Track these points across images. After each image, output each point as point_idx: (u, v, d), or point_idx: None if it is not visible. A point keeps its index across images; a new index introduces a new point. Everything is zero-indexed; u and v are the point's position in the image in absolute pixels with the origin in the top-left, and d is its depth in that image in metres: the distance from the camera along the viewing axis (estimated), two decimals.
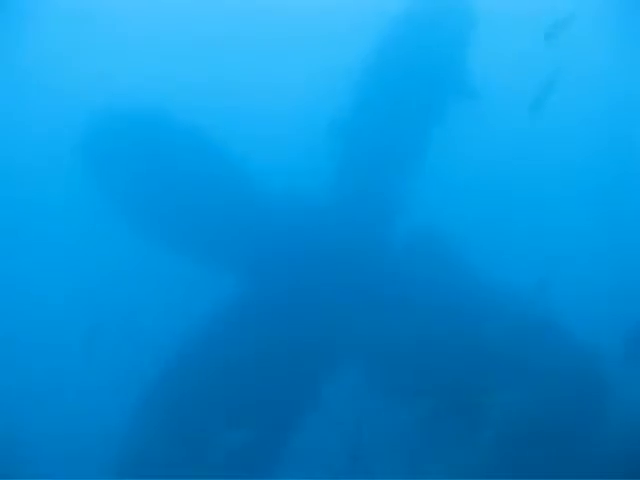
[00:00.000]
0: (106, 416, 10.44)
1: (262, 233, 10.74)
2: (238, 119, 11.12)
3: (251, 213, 10.82)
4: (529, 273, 10.32)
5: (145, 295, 11.49)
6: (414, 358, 10.08)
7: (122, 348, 11.33)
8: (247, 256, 10.86)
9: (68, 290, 11.84)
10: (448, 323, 10.15)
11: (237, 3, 11.89)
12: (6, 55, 12.01)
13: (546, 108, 10.29)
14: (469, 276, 10.59)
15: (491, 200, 11.52)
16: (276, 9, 11.75)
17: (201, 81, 11.57)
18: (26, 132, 12.07)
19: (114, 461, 10.03)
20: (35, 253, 12.03)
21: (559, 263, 10.56)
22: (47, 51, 12.09)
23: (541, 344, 9.86)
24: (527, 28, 10.76)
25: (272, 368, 10.21)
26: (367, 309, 10.47)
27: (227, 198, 10.78)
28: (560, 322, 9.99)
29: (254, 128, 11.10)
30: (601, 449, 9.07)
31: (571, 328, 9.92)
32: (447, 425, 9.88)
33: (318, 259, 10.67)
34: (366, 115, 10.87)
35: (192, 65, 11.74)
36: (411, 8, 10.82)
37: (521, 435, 9.30)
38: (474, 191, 11.49)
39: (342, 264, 10.62)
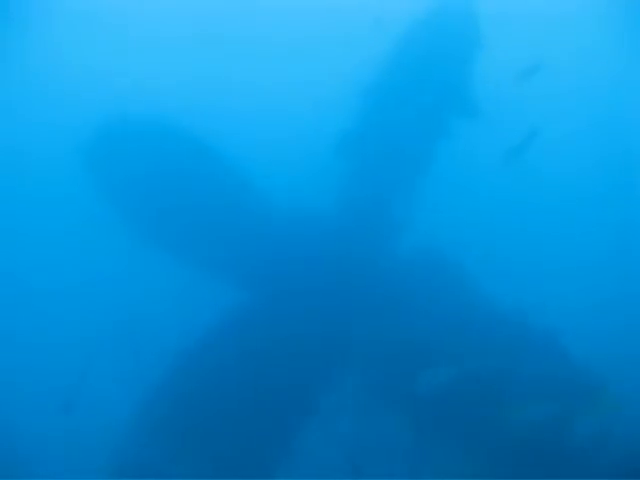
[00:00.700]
0: (106, 417, 10.48)
1: (264, 243, 10.79)
2: (243, 129, 11.25)
3: (254, 223, 10.89)
4: (528, 288, 10.43)
5: (147, 301, 11.57)
6: (411, 367, 10.11)
7: (123, 352, 11.42)
8: (249, 265, 10.93)
9: (70, 294, 11.90)
10: (447, 335, 10.24)
11: (247, 11, 12.01)
12: (11, 57, 12.08)
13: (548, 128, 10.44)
14: (469, 290, 10.67)
15: (493, 217, 11.62)
16: (285, 24, 11.89)
17: (208, 90, 11.68)
18: (29, 134, 12.15)
19: (114, 461, 10.00)
20: (37, 257, 12.10)
21: (559, 279, 10.71)
22: (52, 53, 12.19)
23: (541, 355, 9.97)
24: (529, 46, 10.96)
25: (271, 374, 10.26)
26: (366, 319, 10.56)
27: (230, 207, 10.84)
28: (560, 334, 10.08)
29: (259, 139, 11.25)
30: (603, 460, 9.15)
31: (572, 340, 10.01)
32: (444, 432, 9.97)
33: (319, 270, 10.73)
34: (371, 130, 10.96)
35: (200, 73, 11.85)
36: (417, 26, 10.93)
37: (519, 441, 9.39)
38: (476, 208, 11.61)
39: (342, 275, 10.71)
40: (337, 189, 11.02)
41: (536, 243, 11.81)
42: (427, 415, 9.99)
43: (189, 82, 11.75)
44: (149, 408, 10.29)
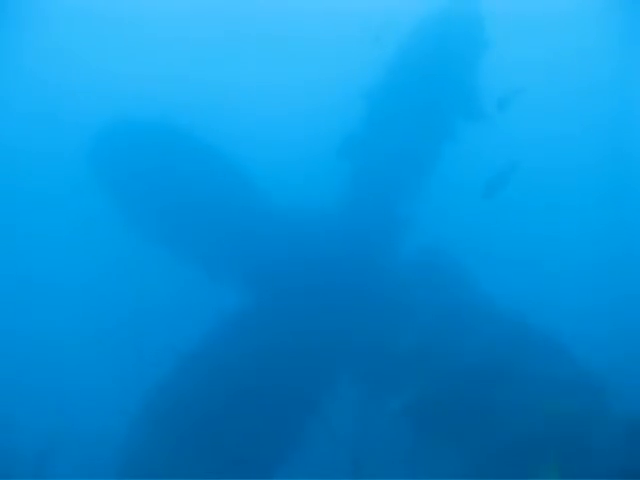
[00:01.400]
0: (107, 417, 10.49)
1: (267, 243, 10.82)
2: (247, 130, 11.29)
3: (257, 223, 10.92)
4: (529, 288, 10.48)
5: (149, 300, 11.58)
6: (414, 369, 10.14)
7: (124, 353, 11.40)
8: (252, 265, 10.96)
9: (71, 294, 11.91)
10: (448, 335, 10.25)
11: (252, 14, 12.07)
12: (17, 59, 12.11)
13: (554, 115, 10.42)
14: (471, 290, 10.71)
15: (496, 218, 11.66)
16: (291, 27, 11.93)
17: (213, 91, 11.68)
18: (34, 133, 12.17)
19: (114, 462, 10.00)
20: (39, 257, 12.10)
21: (560, 280, 10.76)
22: (56, 54, 12.22)
23: (541, 354, 10.01)
24: (536, 49, 11.02)
25: (273, 374, 10.28)
26: (368, 319, 10.57)
27: (234, 207, 10.88)
28: (561, 335, 10.13)
29: (263, 139, 11.27)
30: (602, 454, 9.16)
31: (572, 340, 10.05)
32: (445, 432, 9.98)
33: (322, 270, 10.77)
34: (375, 131, 11.00)
35: (205, 75, 11.88)
36: (421, 29, 11.00)
37: (519, 441, 9.41)
38: (479, 209, 11.66)
39: (345, 275, 10.73)
40: (341, 190, 11.07)
41: (538, 245, 11.88)
42: (428, 416, 10.00)
43: (194, 83, 11.79)
44: (152, 408, 10.29)
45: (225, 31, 12.04)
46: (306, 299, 10.70)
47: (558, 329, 10.10)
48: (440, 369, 10.06)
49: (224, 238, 10.82)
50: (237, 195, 10.93)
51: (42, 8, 11.99)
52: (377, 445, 10.24)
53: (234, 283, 11.08)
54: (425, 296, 10.69)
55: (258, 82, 12.04)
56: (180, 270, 10.98)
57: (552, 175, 12.19)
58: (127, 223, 10.86)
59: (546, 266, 11.52)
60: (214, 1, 11.99)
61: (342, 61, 11.45)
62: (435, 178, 10.98)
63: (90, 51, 12.24)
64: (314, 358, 10.50)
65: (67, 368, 11.34)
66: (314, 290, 10.71)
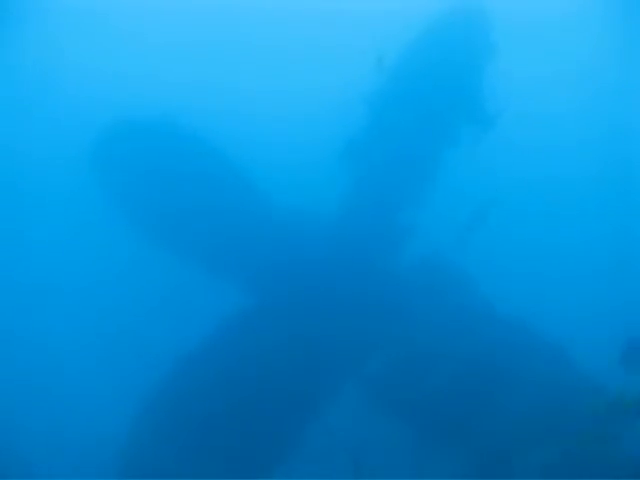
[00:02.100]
0: (107, 417, 10.49)
1: (268, 246, 10.83)
2: (250, 133, 11.31)
3: (259, 226, 10.93)
4: (531, 295, 10.50)
5: (149, 301, 11.57)
6: (414, 375, 10.18)
7: (124, 354, 11.40)
8: (252, 268, 10.95)
9: (72, 295, 11.90)
10: (449, 339, 10.29)
11: (257, 17, 12.08)
12: (18, 59, 12.12)
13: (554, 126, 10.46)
14: (472, 296, 10.74)
15: (498, 224, 11.65)
16: (295, 31, 11.94)
17: (215, 94, 11.71)
18: (36, 134, 12.16)
19: (114, 462, 10.00)
20: (41, 258, 12.08)
21: (562, 286, 10.77)
22: (57, 55, 12.22)
23: (541, 359, 10.05)
24: (542, 53, 11.03)
25: (273, 376, 10.31)
26: (369, 323, 10.59)
27: (235, 210, 10.89)
28: (563, 341, 10.16)
29: (265, 142, 11.30)
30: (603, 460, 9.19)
31: (574, 346, 10.08)
32: (446, 434, 10.01)
33: (322, 274, 10.79)
34: (377, 136, 11.01)
35: (207, 77, 11.89)
36: (425, 34, 11.01)
37: (519, 442, 9.45)
38: (482, 216, 11.64)
39: (346, 279, 10.75)
40: (342, 194, 11.08)
41: (539, 251, 11.89)
42: (429, 417, 10.04)
43: (197, 85, 11.82)
44: (152, 409, 10.30)
45: (228, 34, 12.07)
46: (306, 302, 10.72)
47: (558, 334, 10.14)
48: (441, 372, 10.15)
49: (226, 240, 10.83)
50: (239, 197, 10.95)
51: (45, 8, 12.04)
52: (377, 446, 10.28)
53: (235, 285, 11.08)
54: (426, 300, 10.75)
55: (261, 85, 12.07)
56: (181, 272, 10.98)
57: (555, 182, 12.20)
58: (128, 224, 10.85)
59: (547, 272, 11.55)
60: (219, 4, 12.02)
61: (345, 65, 11.47)
62: (437, 184, 10.97)
63: (92, 52, 12.25)
64: (314, 360, 10.52)
65: (67, 369, 11.35)
66: (314, 293, 10.73)
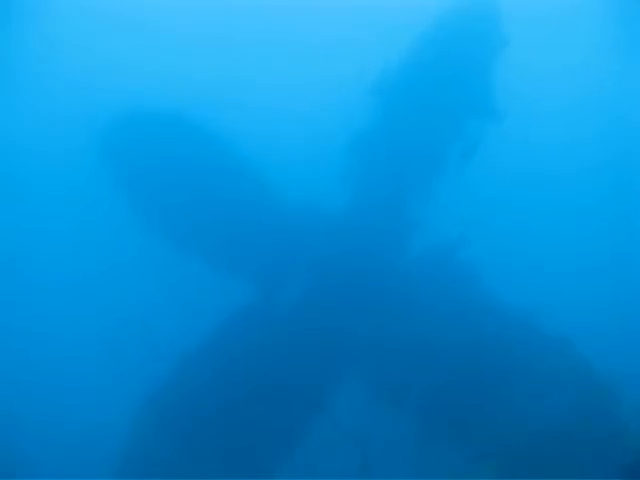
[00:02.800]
0: (109, 415, 10.39)
1: (276, 240, 10.81)
2: (258, 127, 11.27)
3: (267, 220, 10.91)
4: (539, 289, 10.56)
5: (156, 297, 11.50)
6: (421, 367, 10.20)
7: (127, 349, 11.31)
8: (260, 262, 10.91)
9: (75, 288, 11.78)
10: (456, 334, 10.30)
11: (266, 11, 12.02)
12: (24, 52, 11.95)
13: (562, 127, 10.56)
14: (479, 290, 10.71)
15: (505, 218, 11.72)
16: (304, 25, 11.91)
17: (225, 87, 11.65)
18: (43, 127, 12.02)
19: (114, 461, 9.94)
20: (46, 251, 11.94)
21: (570, 281, 10.85)
22: (63, 48, 12.06)
23: (548, 354, 10.11)
24: (548, 48, 11.08)
25: (279, 371, 10.28)
26: (376, 317, 10.58)
27: (243, 204, 10.85)
28: (570, 335, 10.22)
29: (274, 136, 11.25)
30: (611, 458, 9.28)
31: (582, 341, 10.16)
32: (451, 431, 10.05)
33: (330, 267, 10.77)
34: (385, 130, 11.00)
35: (218, 70, 11.83)
36: (433, 28, 10.99)
37: (524, 442, 9.50)
38: (489, 209, 11.71)
39: (354, 273, 10.72)
40: (351, 188, 11.03)
41: (546, 245, 11.95)
42: (435, 414, 10.06)
43: (206, 78, 11.77)
44: (156, 405, 10.23)
45: (237, 27, 12.04)
46: (313, 296, 10.69)
47: (565, 329, 10.19)
48: (447, 368, 10.16)
49: (232, 234, 10.79)
50: (246, 191, 10.90)
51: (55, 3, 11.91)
52: (384, 443, 10.26)
53: (242, 279, 11.02)
54: (433, 295, 10.73)
55: (269, 79, 12.04)
56: (188, 265, 10.92)
57: (562, 176, 12.27)
58: (134, 218, 10.77)
59: (554, 266, 11.61)
60: None
61: (354, 59, 11.43)
62: (444, 178, 10.96)
63: (99, 44, 12.12)
64: (321, 355, 10.49)
65: (69, 365, 11.27)
66: (321, 287, 10.71)
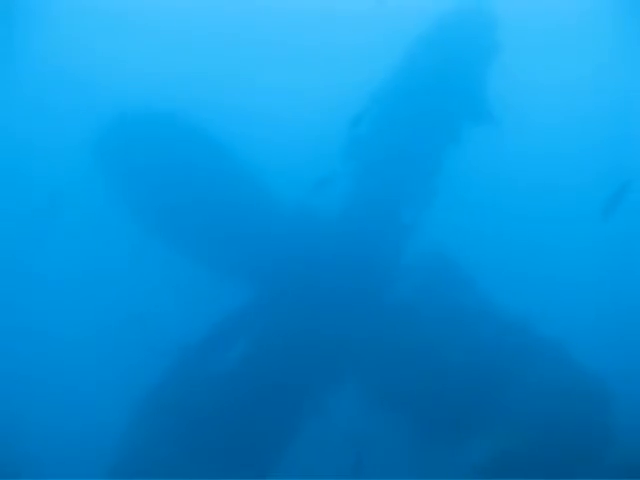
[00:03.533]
0: (106, 415, 10.41)
1: (271, 242, 10.86)
2: (255, 129, 11.28)
3: (262, 222, 10.96)
4: (535, 294, 10.54)
5: (151, 297, 11.52)
6: (416, 370, 10.23)
7: (125, 350, 11.34)
8: (255, 264, 10.97)
9: (73, 288, 11.82)
10: (451, 339, 10.33)
11: (264, 15, 12.08)
12: (23, 52, 12.06)
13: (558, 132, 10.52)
14: (474, 294, 10.75)
15: (500, 223, 11.71)
16: (301, 29, 11.97)
17: (221, 89, 11.70)
18: (40, 127, 12.11)
19: (114, 461, 10.03)
20: (43, 251, 12.00)
21: (565, 286, 10.82)
22: (61, 47, 12.16)
23: (544, 360, 10.12)
24: (544, 54, 11.10)
25: (274, 373, 10.33)
26: (370, 320, 10.64)
27: (239, 206, 10.92)
28: (566, 341, 10.22)
29: (270, 139, 11.30)
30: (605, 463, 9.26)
31: (577, 347, 10.15)
32: (446, 432, 10.06)
33: (325, 270, 10.79)
34: (381, 133, 11.07)
35: (214, 72, 11.84)
36: (429, 33, 11.07)
37: (521, 442, 9.51)
38: (484, 214, 11.72)
39: (348, 276, 10.75)
40: (346, 191, 11.10)
41: (543, 250, 11.94)
42: (428, 414, 10.09)
43: (204, 80, 11.81)
44: (153, 405, 10.31)
45: (234, 29, 12.08)
46: (309, 299, 10.74)
47: (561, 335, 10.21)
48: (442, 371, 10.19)
49: (228, 235, 10.86)
50: (243, 193, 10.98)
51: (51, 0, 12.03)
52: (379, 445, 10.28)
53: (238, 281, 11.08)
54: (428, 299, 10.77)
55: (266, 82, 12.09)
56: (185, 267, 10.97)
57: (558, 181, 12.27)
58: (131, 218, 10.86)
59: (550, 272, 11.59)
60: None
61: (351, 64, 11.49)
62: (440, 182, 11.01)
63: (97, 45, 12.22)
64: (316, 357, 10.53)
65: (67, 363, 11.27)
66: (317, 290, 10.76)
